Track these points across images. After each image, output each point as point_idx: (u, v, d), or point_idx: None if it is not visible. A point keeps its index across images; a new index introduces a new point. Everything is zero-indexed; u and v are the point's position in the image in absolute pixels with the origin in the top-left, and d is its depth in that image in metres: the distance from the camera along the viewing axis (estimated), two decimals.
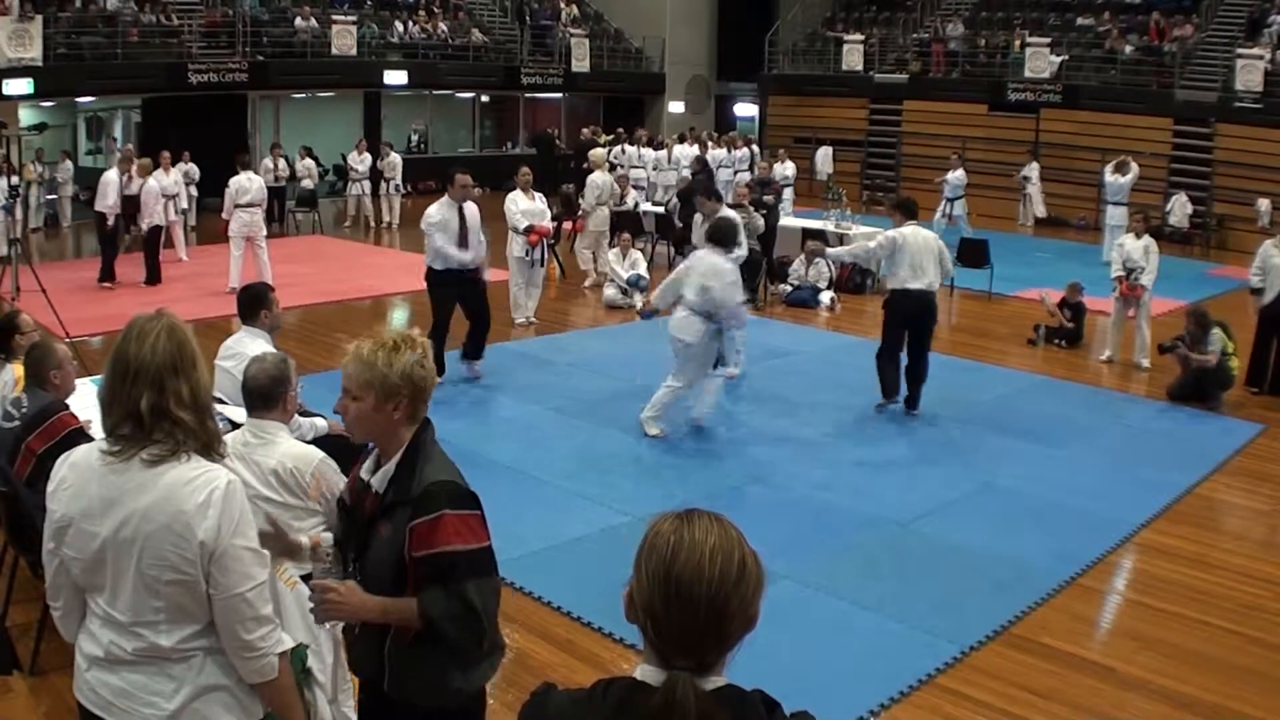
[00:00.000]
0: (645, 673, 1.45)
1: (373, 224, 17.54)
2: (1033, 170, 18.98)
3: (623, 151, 19.21)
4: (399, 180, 17.57)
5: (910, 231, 7.53)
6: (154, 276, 12.07)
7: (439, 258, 8.12)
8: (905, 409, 7.76)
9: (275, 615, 2.16)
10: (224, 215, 11.86)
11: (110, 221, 11.99)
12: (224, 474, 2.11)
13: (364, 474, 2.50)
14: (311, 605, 2.40)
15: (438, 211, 8.16)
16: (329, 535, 2.45)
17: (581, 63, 22.76)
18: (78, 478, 2.14)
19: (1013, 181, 19.37)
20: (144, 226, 12.01)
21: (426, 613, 2.31)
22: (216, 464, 2.13)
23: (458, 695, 2.46)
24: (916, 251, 7.45)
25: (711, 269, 6.88)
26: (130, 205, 12.31)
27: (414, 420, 2.43)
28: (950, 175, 16.43)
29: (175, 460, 2.08)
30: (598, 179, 12.68)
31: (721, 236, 7.17)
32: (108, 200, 11.95)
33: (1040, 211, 19.10)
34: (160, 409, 2.09)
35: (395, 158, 17.62)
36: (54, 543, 2.16)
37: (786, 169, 17.36)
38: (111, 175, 12.25)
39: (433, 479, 2.38)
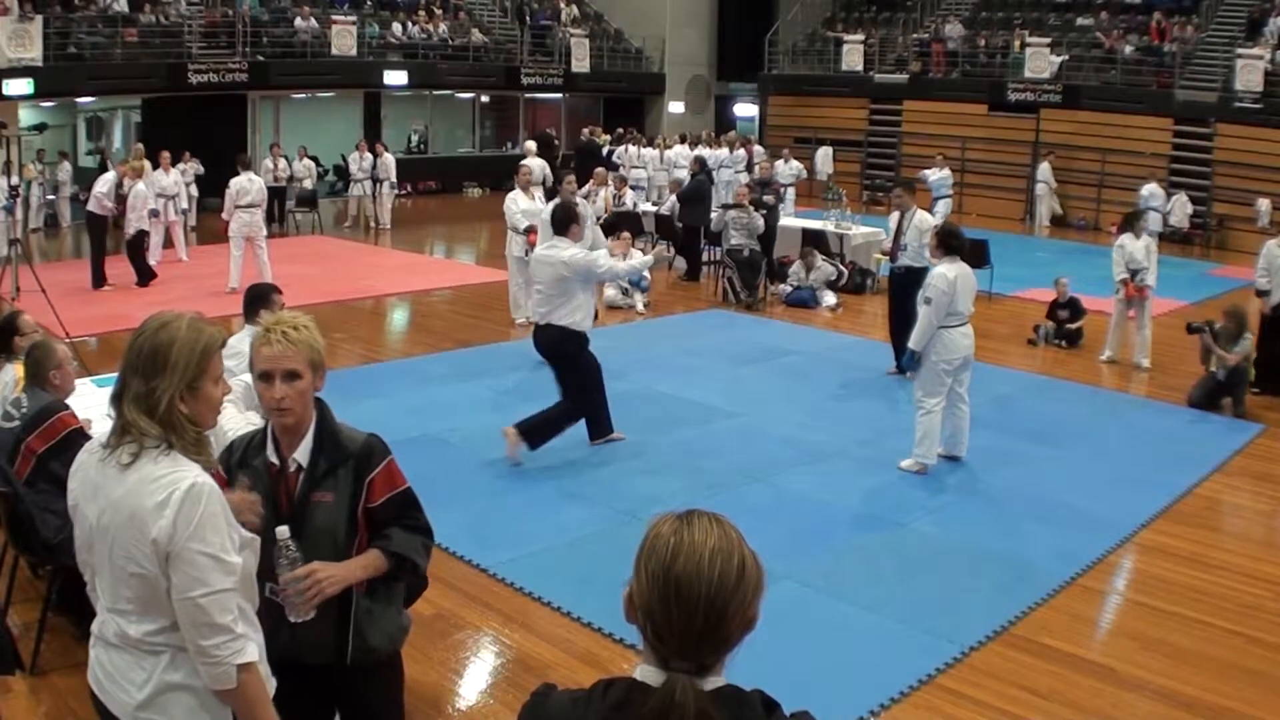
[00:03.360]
0: (645, 673, 1.45)
1: (373, 225, 17.56)
2: (1045, 173, 18.95)
3: (625, 151, 19.24)
4: (393, 179, 17.57)
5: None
6: (144, 277, 12.05)
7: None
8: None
9: (235, 627, 2.11)
10: (224, 216, 11.87)
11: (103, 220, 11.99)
12: (191, 476, 2.09)
13: (271, 457, 2.57)
14: (294, 601, 2.43)
15: (576, 248, 6.53)
16: (284, 528, 2.42)
17: (581, 63, 22.76)
18: (85, 463, 2.23)
19: (1017, 182, 19.42)
20: (129, 230, 11.96)
21: (399, 552, 2.56)
22: (192, 465, 2.12)
23: (404, 634, 2.78)
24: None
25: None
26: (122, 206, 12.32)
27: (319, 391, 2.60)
28: (930, 174, 16.35)
29: (147, 457, 2.11)
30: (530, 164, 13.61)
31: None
32: (103, 200, 11.94)
33: (1045, 218, 19.09)
34: (116, 400, 2.16)
35: (389, 158, 17.63)
36: (72, 520, 2.27)
37: (791, 168, 17.37)
38: (110, 176, 12.25)
39: (362, 435, 2.62)
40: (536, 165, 14.35)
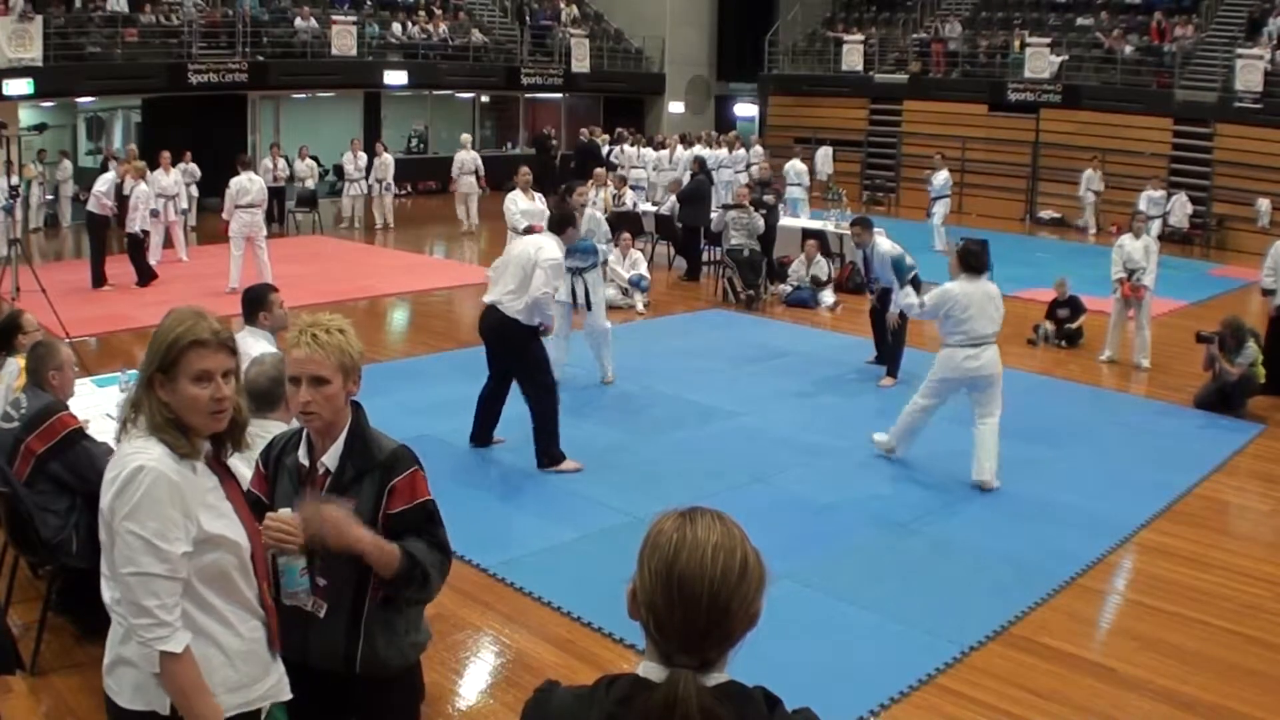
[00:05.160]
0: (648, 669, 1.46)
1: (377, 225, 17.48)
2: (1092, 181, 18.35)
3: (622, 151, 19.24)
4: (390, 180, 17.57)
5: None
6: (145, 277, 12.06)
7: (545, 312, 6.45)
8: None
9: (161, 614, 2.11)
10: (224, 216, 11.87)
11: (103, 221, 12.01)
12: (143, 459, 2.12)
13: (302, 458, 2.57)
14: (273, 538, 2.37)
15: (560, 252, 6.57)
16: (287, 510, 2.41)
17: (581, 63, 22.76)
18: None
19: (1017, 182, 19.34)
20: (136, 230, 11.98)
21: (412, 553, 2.47)
22: (156, 447, 2.15)
23: (417, 650, 2.70)
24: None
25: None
26: (122, 207, 12.34)
27: (354, 395, 2.57)
28: (938, 179, 16.37)
29: (129, 434, 2.20)
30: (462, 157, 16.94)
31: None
32: (102, 200, 11.94)
33: (1093, 225, 18.44)
34: None
35: (388, 158, 17.63)
36: None
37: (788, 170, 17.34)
38: (110, 175, 12.25)
39: (393, 444, 2.58)
40: (468, 159, 17.33)
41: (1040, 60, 19.88)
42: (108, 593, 2.20)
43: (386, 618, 2.57)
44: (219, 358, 2.20)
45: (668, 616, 1.42)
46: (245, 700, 2.28)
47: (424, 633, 2.74)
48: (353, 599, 2.51)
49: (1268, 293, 8.92)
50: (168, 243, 13.58)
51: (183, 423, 2.19)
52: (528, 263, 6.32)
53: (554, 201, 9.54)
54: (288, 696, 2.38)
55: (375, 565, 2.44)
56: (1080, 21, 21.10)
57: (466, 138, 18.57)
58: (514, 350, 6.44)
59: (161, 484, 2.11)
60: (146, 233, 12.21)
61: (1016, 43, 20.61)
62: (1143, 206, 14.53)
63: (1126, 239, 9.47)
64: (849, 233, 12.89)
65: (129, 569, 2.10)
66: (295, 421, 2.69)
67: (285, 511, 2.42)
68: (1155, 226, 14.44)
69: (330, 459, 2.53)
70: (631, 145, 19.40)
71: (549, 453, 6.46)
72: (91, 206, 12.07)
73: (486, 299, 6.53)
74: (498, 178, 20.01)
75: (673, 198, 14.06)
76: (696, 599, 1.40)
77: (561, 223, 6.71)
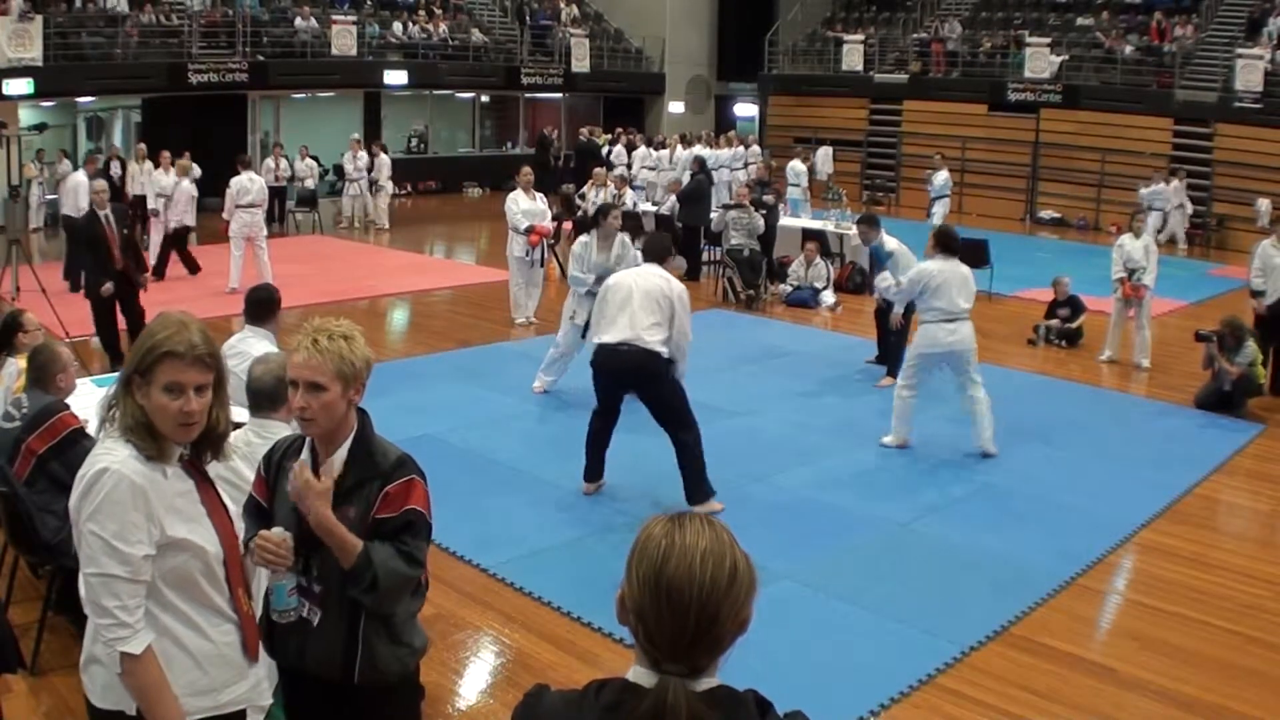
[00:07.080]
0: (637, 675, 1.45)
1: (357, 225, 17.47)
2: (1160, 189, 17.11)
3: (617, 151, 19.26)
4: (383, 181, 17.60)
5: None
6: (192, 268, 12.63)
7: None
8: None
9: (120, 615, 2.11)
10: (225, 216, 11.87)
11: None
12: (104, 463, 2.13)
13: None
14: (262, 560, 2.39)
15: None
16: (279, 529, 2.40)
17: (581, 63, 22.75)
18: None
19: (1017, 182, 19.31)
20: (174, 224, 12.53)
21: (370, 555, 2.41)
22: (123, 449, 2.16)
23: (416, 657, 2.67)
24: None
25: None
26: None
27: (357, 404, 2.54)
28: (938, 178, 16.34)
29: (107, 432, 2.23)
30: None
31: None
32: (79, 202, 11.87)
33: (1181, 237, 17.36)
34: None
35: (384, 158, 17.65)
36: None
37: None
38: (80, 177, 12.15)
39: (398, 452, 2.55)
40: (379, 161, 17.64)
41: (1040, 60, 19.88)
42: (81, 590, 2.21)
43: (384, 626, 2.54)
44: (191, 372, 2.18)
45: (656, 623, 1.41)
46: (215, 704, 2.27)
47: (421, 639, 2.71)
48: (350, 607, 2.49)
49: (1257, 294, 8.89)
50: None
51: (154, 427, 2.19)
52: (661, 296, 5.85)
53: (557, 203, 9.27)
54: (267, 702, 2.37)
55: (334, 550, 2.42)
56: (1080, 21, 21.09)
57: (356, 136, 18.75)
58: (658, 384, 5.93)
59: (123, 486, 2.12)
60: (190, 227, 12.69)
61: (1015, 43, 20.61)
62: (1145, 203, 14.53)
63: (1126, 239, 9.47)
64: (850, 232, 12.99)
65: (91, 569, 2.11)
66: (294, 423, 2.69)
67: (277, 531, 2.41)
68: (1155, 220, 14.35)
69: (334, 466, 2.51)
70: (627, 147, 19.39)
71: (703, 489, 5.96)
72: (68, 209, 11.98)
73: (613, 338, 5.87)
74: (498, 178, 20.10)
75: (673, 198, 14.06)
76: (685, 606, 1.39)
77: (664, 252, 6.30)
